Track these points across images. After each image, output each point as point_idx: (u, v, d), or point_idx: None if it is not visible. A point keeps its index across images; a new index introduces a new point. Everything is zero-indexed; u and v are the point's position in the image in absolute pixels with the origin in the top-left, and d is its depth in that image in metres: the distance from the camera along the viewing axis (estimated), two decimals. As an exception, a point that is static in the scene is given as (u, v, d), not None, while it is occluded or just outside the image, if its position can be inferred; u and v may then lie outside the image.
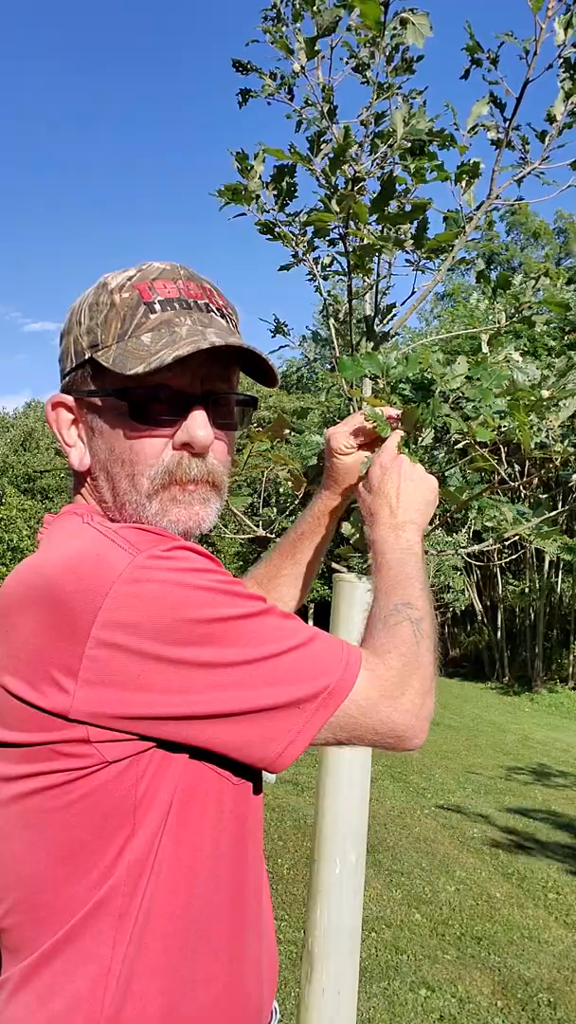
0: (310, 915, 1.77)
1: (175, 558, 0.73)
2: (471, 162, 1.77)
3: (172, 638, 0.69)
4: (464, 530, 1.94)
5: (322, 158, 1.75)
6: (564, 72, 1.73)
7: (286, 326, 2.05)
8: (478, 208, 1.83)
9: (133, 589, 0.69)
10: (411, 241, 1.78)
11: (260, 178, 1.79)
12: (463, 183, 1.80)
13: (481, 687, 18.14)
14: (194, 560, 0.74)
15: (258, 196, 1.83)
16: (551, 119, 1.77)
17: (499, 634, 19.84)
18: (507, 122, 1.79)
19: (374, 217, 1.68)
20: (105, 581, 0.69)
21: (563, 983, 3.57)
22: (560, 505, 16.58)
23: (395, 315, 1.84)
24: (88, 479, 0.87)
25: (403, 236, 1.76)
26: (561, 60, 1.71)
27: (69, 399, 0.86)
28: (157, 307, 0.82)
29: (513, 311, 1.72)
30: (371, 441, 1.13)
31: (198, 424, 0.82)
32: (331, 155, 1.71)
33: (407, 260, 1.85)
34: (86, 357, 0.83)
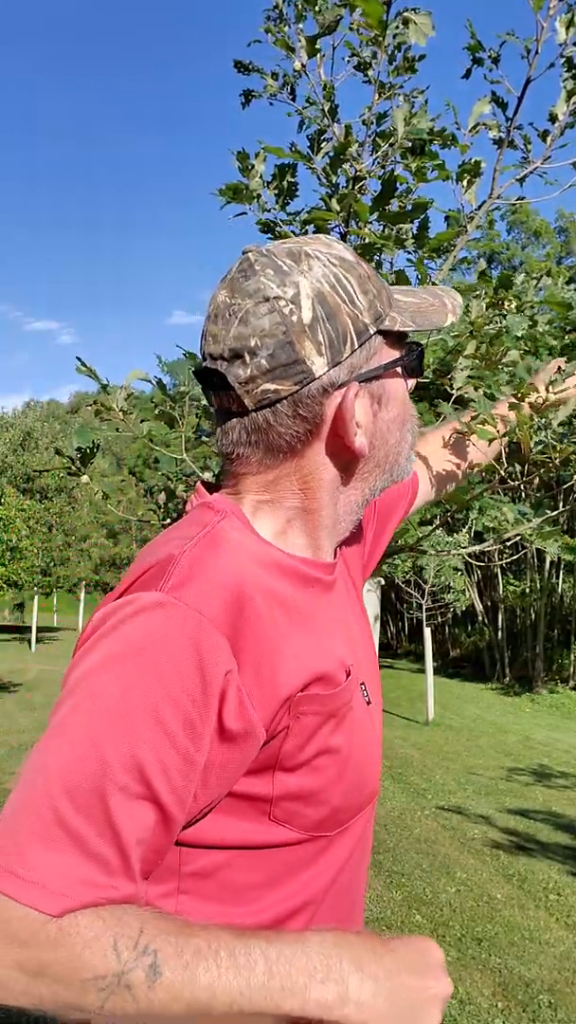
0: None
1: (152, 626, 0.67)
2: (472, 161, 1.76)
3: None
4: (465, 530, 1.92)
5: (323, 157, 1.74)
6: (567, 71, 1.72)
7: None
8: (479, 207, 1.82)
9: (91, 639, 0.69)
10: (412, 240, 1.77)
11: (261, 177, 1.79)
12: (464, 182, 1.80)
13: (482, 687, 18.12)
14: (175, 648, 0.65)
15: (258, 195, 1.82)
16: (553, 119, 1.77)
17: (500, 634, 19.81)
18: (508, 121, 1.78)
19: (375, 216, 1.67)
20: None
21: (564, 984, 3.56)
22: (561, 505, 16.56)
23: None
24: (331, 464, 0.81)
25: (404, 235, 1.75)
26: (564, 59, 1.71)
27: (358, 387, 0.80)
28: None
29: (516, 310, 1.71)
30: None
31: None
32: (331, 154, 1.70)
33: (408, 259, 1.84)
34: (371, 332, 0.80)
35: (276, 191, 1.84)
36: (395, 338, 0.84)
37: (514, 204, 1.86)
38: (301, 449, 0.79)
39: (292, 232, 1.88)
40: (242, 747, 0.67)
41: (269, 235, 1.88)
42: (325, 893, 0.77)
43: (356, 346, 0.78)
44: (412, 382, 0.90)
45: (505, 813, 6.68)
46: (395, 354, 0.84)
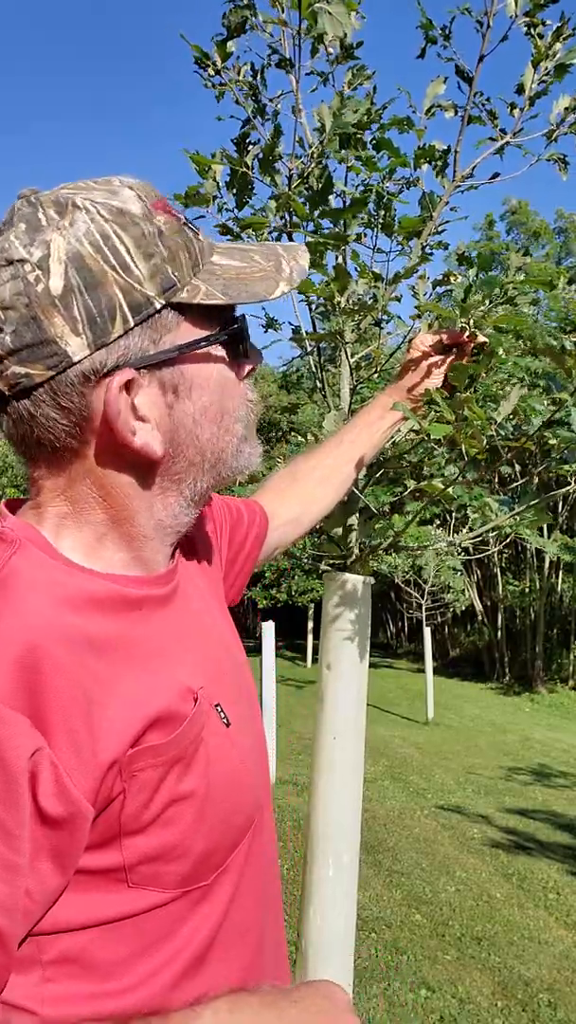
0: (303, 917, 1.75)
1: None
2: (428, 146, 1.72)
3: None
4: (465, 530, 1.90)
5: (252, 158, 1.69)
6: (530, 39, 1.67)
7: (276, 320, 2.00)
8: (449, 190, 1.75)
9: None
10: (380, 229, 1.74)
11: (217, 179, 1.74)
12: (426, 167, 1.75)
13: (481, 687, 18.12)
14: None
15: (215, 197, 1.77)
16: (521, 90, 1.72)
17: (499, 634, 19.81)
18: (476, 96, 1.73)
19: (317, 213, 1.64)
20: None
21: (563, 984, 3.55)
22: (560, 505, 16.54)
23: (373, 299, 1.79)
24: (126, 469, 0.68)
25: (350, 231, 1.70)
26: (524, 28, 1.66)
27: (132, 374, 0.65)
28: (190, 226, 0.70)
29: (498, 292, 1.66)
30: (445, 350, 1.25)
31: (252, 344, 0.75)
32: (260, 155, 1.66)
33: (379, 249, 1.82)
34: (157, 307, 0.65)
35: (235, 193, 1.78)
36: (205, 312, 0.68)
37: (488, 182, 1.79)
38: (80, 448, 0.66)
39: (245, 239, 1.83)
40: (71, 829, 0.58)
41: (228, 237, 1.83)
42: (208, 945, 0.69)
43: (131, 324, 0.64)
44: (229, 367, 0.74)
45: (504, 812, 6.68)
46: (201, 332, 0.68)
